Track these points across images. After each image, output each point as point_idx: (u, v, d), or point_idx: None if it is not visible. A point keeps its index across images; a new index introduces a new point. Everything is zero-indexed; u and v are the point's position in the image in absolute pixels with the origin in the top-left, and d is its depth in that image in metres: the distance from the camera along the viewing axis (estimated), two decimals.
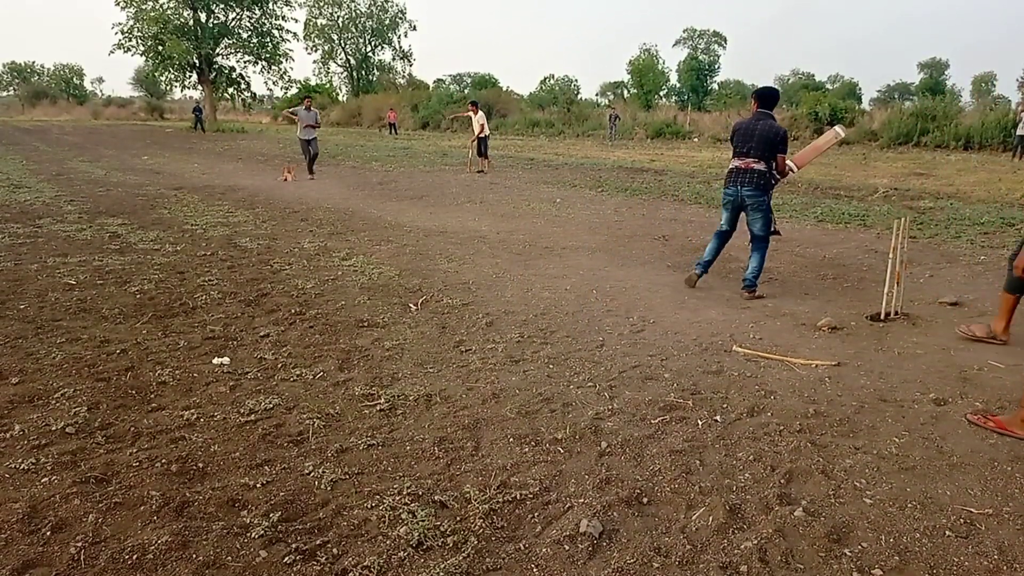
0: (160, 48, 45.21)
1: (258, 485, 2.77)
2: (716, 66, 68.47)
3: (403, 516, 2.56)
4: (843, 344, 4.60)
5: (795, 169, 5.92)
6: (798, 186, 14.04)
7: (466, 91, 53.07)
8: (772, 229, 5.90)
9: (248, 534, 2.45)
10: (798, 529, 2.53)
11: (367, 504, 2.65)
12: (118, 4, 44.04)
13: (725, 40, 67.90)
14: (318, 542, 2.41)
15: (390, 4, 64.16)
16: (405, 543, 2.40)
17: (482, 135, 16.81)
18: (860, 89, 64.31)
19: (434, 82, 65.60)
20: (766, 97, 5.76)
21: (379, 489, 2.76)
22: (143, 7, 44.44)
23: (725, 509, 2.63)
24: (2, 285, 5.66)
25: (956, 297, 5.67)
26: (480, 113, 17.00)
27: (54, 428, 3.20)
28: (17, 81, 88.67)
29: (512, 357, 4.29)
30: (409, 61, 66.47)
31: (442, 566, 2.28)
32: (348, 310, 5.22)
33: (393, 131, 38.69)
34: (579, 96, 57.01)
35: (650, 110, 43.34)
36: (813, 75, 71.84)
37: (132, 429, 3.23)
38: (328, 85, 62.55)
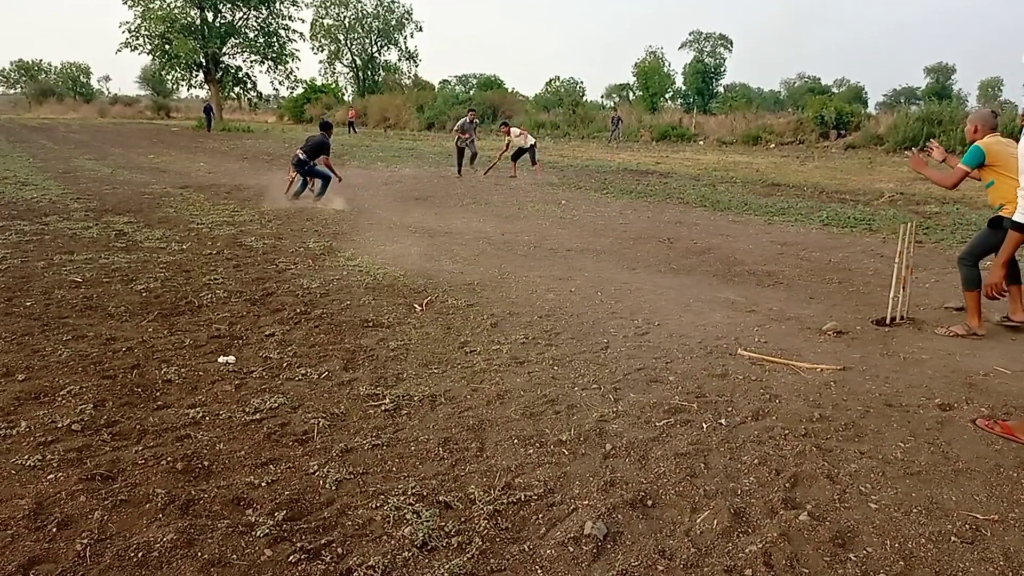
0: (167, 47, 45.36)
1: (263, 484, 2.77)
2: (722, 69, 68.40)
3: (408, 516, 2.56)
4: (848, 348, 4.59)
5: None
6: (803, 190, 14.03)
7: (471, 92, 53.03)
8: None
9: (253, 533, 2.45)
10: (803, 533, 2.52)
11: (372, 504, 2.65)
12: (125, 3, 44.21)
13: (731, 43, 67.80)
14: (323, 541, 2.42)
15: (396, 5, 64.28)
16: (410, 543, 2.40)
17: (525, 144, 16.26)
18: (866, 93, 64.12)
19: (440, 83, 65.65)
20: (325, 125, 11.44)
21: (384, 489, 2.76)
22: (150, 6, 44.58)
23: (730, 513, 2.63)
24: (9, 282, 5.68)
25: (961, 302, 5.65)
26: (513, 130, 16.48)
27: (60, 425, 3.21)
28: (24, 79, 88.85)
29: (517, 358, 4.29)
30: (415, 62, 66.54)
31: (446, 567, 2.28)
32: (353, 310, 5.23)
33: (352, 130, 37.98)
34: (584, 98, 57.00)
35: (655, 112, 43.29)
36: (819, 79, 71.82)
37: (138, 427, 3.24)
38: (334, 85, 62.64)
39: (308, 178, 11.15)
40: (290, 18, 50.27)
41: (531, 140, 16.48)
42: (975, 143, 4.94)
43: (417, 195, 12.66)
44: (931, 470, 3.01)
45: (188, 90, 51.65)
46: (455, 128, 17.06)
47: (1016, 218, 3.23)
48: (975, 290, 4.86)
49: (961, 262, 5.03)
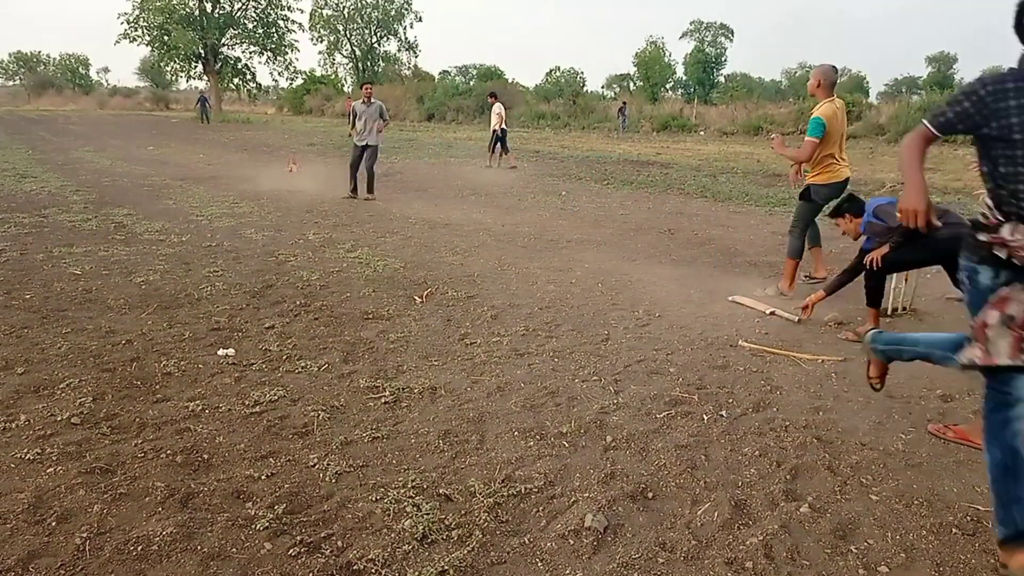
0: (166, 38, 45.26)
1: (263, 477, 2.77)
2: (723, 59, 68.17)
3: (408, 509, 2.56)
4: (850, 339, 4.57)
5: None
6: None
7: (471, 83, 52.87)
8: None
9: (253, 526, 2.45)
10: (804, 525, 2.52)
11: (372, 497, 2.65)
12: None
13: (732, 33, 67.56)
14: (322, 534, 2.41)
15: None
16: (410, 536, 2.40)
17: (498, 128, 16.31)
18: (867, 83, 64.08)
19: (439, 73, 65.43)
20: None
21: (384, 482, 2.75)
22: None
23: (730, 505, 2.63)
24: (8, 275, 5.67)
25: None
26: (497, 104, 16.54)
27: (59, 418, 3.20)
28: (23, 70, 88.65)
29: (517, 350, 4.28)
30: (415, 52, 66.20)
31: (447, 560, 2.28)
32: (353, 302, 5.22)
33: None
34: (585, 88, 56.81)
35: (656, 103, 43.16)
36: None
37: (137, 420, 3.23)
38: (333, 76, 62.42)
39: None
40: (289, 8, 50.14)
41: (503, 127, 16.37)
42: (816, 116, 5.28)
43: (417, 186, 12.63)
44: (932, 461, 3.00)
45: (187, 81, 51.60)
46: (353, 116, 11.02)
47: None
48: (796, 259, 5.55)
49: (791, 233, 5.64)
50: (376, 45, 65.65)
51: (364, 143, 10.76)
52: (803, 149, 5.37)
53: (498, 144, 16.48)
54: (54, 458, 2.86)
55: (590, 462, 2.94)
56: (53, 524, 2.42)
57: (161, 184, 11.98)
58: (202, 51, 47.07)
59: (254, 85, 52.00)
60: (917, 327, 4.84)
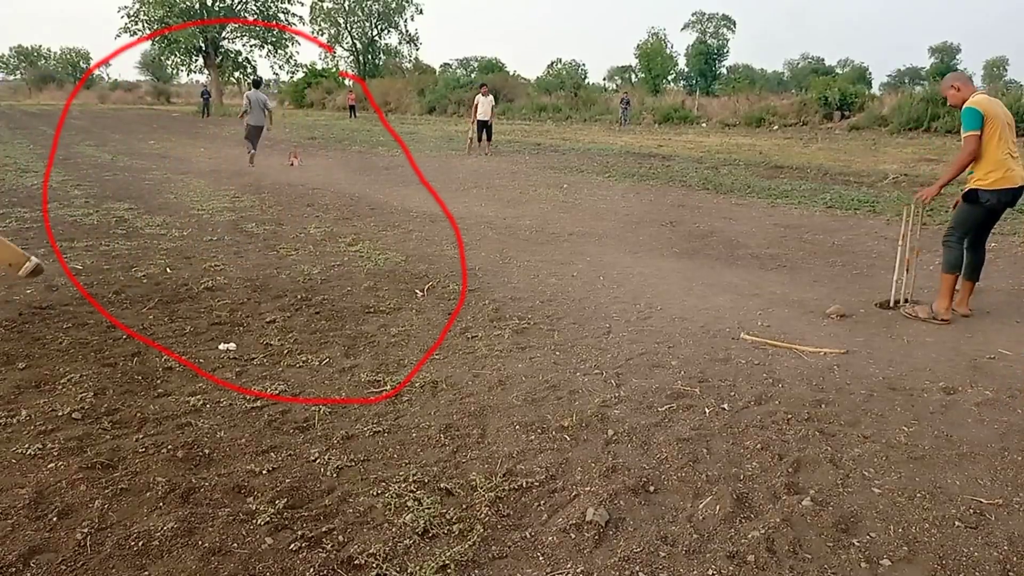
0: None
1: (264, 471, 2.77)
2: (725, 50, 67.94)
3: (409, 503, 2.55)
4: (852, 332, 4.56)
5: None
6: (807, 172, 13.94)
7: (473, 75, 52.71)
8: None
9: (254, 521, 2.45)
10: (806, 519, 2.51)
11: (373, 491, 2.64)
12: None
13: (734, 24, 67.39)
14: (324, 529, 2.41)
15: None
16: (411, 530, 2.40)
17: (483, 119, 17.43)
18: (870, 74, 63.79)
19: (441, 66, 65.25)
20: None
21: (385, 476, 2.75)
22: None
23: (732, 498, 2.62)
24: None
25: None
26: (488, 99, 17.58)
27: (60, 413, 3.20)
28: (24, 65, 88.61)
29: (518, 344, 4.27)
30: (415, 45, 66.05)
31: (448, 554, 2.28)
32: (354, 296, 5.21)
33: (353, 114, 38.23)
34: (587, 81, 56.65)
35: (658, 95, 43.01)
36: (823, 59, 71.43)
37: (138, 415, 3.23)
38: (334, 69, 62.28)
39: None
40: (289, 1, 49.95)
41: (488, 118, 17.56)
42: (967, 104, 4.68)
43: (418, 179, 12.59)
44: (935, 454, 2.99)
45: (188, 75, 51.51)
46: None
47: None
48: (954, 273, 4.78)
49: (946, 243, 4.90)
50: (377, 38, 65.51)
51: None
52: (962, 152, 4.77)
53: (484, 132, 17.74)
54: (55, 453, 2.86)
55: (591, 456, 2.94)
56: (54, 519, 2.42)
57: (162, 178, 11.97)
58: (202, 45, 46.97)
59: (255, 78, 51.98)
60: (920, 319, 4.82)
